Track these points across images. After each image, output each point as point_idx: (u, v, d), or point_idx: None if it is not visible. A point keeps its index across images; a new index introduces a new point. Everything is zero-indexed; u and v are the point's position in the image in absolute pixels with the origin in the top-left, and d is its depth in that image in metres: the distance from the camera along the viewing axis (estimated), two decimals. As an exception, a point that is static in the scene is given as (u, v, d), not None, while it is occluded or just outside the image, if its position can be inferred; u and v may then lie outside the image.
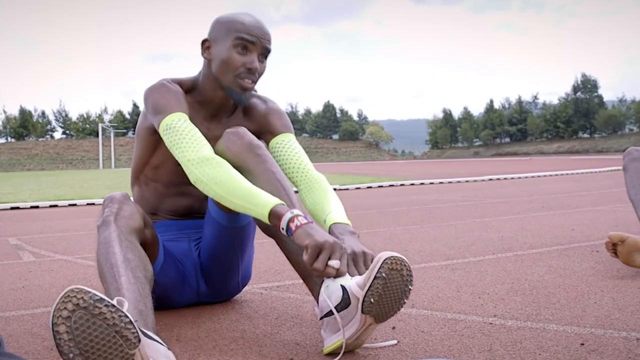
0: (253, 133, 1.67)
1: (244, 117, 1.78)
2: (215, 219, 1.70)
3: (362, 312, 1.26)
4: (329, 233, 1.46)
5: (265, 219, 1.37)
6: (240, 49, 1.60)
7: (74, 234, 4.22)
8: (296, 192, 1.56)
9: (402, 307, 1.29)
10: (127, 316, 1.03)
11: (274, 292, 2.08)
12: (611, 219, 3.94)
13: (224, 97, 1.69)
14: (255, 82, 1.65)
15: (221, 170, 1.45)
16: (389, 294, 1.25)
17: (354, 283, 1.29)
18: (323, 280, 1.35)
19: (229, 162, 1.51)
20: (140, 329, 1.09)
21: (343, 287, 1.30)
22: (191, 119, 1.67)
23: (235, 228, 1.71)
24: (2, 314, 1.86)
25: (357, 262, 1.37)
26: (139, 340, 1.04)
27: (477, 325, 1.55)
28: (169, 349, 1.17)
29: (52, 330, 1.00)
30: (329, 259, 1.28)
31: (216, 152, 1.56)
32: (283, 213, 1.35)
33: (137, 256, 1.37)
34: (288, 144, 1.71)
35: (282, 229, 1.34)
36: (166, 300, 1.77)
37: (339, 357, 1.31)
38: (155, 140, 1.71)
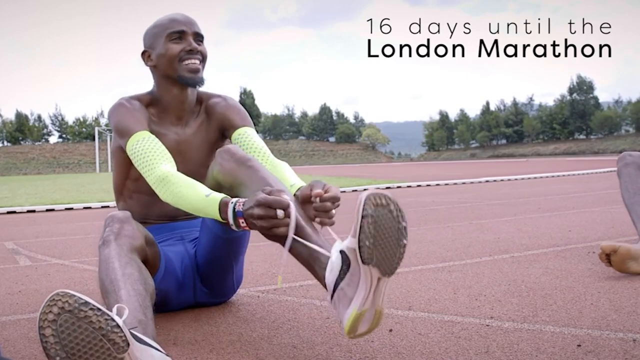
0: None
1: (206, 116, 1.86)
2: (210, 228, 1.71)
3: (363, 262, 1.18)
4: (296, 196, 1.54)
5: (218, 216, 1.42)
6: (175, 39, 1.71)
7: (71, 238, 4.21)
8: None
9: (403, 249, 1.19)
10: (113, 320, 1.03)
11: (271, 295, 2.08)
12: (607, 220, 3.95)
13: (179, 93, 1.77)
14: (200, 62, 1.74)
15: (174, 188, 1.52)
16: (383, 234, 1.17)
17: (347, 239, 1.23)
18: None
19: (224, 179, 1.55)
20: (135, 335, 1.08)
21: (341, 251, 1.25)
22: (158, 129, 1.77)
23: (230, 238, 1.71)
24: (-2, 319, 1.86)
25: (330, 189, 1.44)
26: (128, 345, 1.03)
27: (474, 327, 1.55)
28: (167, 355, 1.16)
29: (38, 333, 1.01)
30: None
31: (211, 170, 1.60)
32: (227, 203, 1.40)
33: (137, 270, 1.37)
34: (248, 136, 1.80)
35: (230, 214, 1.38)
36: (164, 303, 1.77)
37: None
38: (128, 157, 1.73)
